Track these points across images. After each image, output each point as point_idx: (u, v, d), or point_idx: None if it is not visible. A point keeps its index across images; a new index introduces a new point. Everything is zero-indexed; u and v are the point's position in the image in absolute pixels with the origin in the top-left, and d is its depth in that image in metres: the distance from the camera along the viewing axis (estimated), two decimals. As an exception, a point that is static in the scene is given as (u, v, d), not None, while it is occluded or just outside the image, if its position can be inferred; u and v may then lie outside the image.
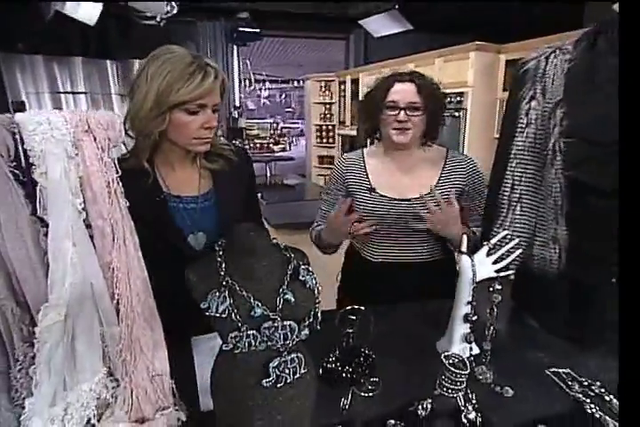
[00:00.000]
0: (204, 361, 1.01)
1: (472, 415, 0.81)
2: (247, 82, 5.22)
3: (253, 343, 0.61)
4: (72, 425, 0.70)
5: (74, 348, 0.72)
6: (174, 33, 4.00)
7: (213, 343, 1.06)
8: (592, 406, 0.84)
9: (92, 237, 0.76)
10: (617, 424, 0.79)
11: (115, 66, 4.19)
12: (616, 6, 0.98)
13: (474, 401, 0.84)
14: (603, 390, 0.88)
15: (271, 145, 5.24)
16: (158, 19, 3.18)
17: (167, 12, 3.12)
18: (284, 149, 5.45)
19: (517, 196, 1.08)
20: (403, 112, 1.24)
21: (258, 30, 4.31)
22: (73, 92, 4.05)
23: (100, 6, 3.22)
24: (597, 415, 0.82)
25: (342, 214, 1.23)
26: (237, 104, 4.84)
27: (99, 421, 0.73)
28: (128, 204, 0.80)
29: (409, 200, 1.29)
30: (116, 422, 0.73)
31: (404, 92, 1.25)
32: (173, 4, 3.14)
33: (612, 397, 0.86)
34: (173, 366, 0.84)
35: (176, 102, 0.91)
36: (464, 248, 0.99)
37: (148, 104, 0.91)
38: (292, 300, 0.62)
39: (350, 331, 0.87)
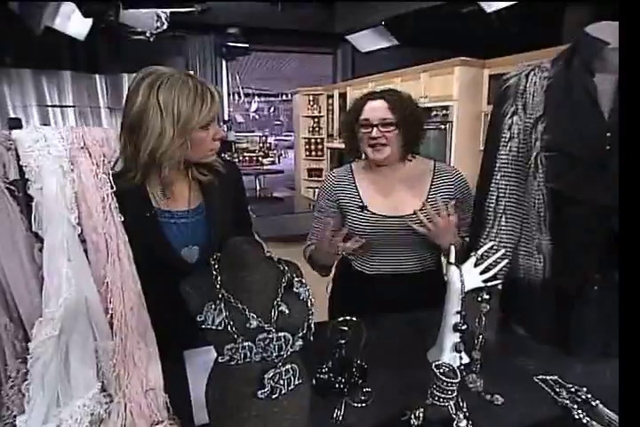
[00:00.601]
0: (196, 375, 1.00)
1: (463, 424, 0.82)
2: (236, 96, 5.27)
3: (249, 355, 0.62)
4: (65, 442, 0.69)
5: (67, 363, 0.72)
6: (163, 48, 4.05)
7: (206, 357, 1.06)
8: (579, 411, 0.85)
9: (86, 251, 0.77)
10: (603, 429, 0.81)
11: (104, 80, 4.22)
12: (588, 28, 1.04)
13: (465, 409, 0.85)
14: (589, 395, 0.90)
15: (260, 158, 5.28)
16: (148, 34, 3.21)
17: (157, 27, 3.16)
18: (273, 162, 5.49)
19: (502, 207, 1.11)
20: (375, 129, 1.27)
21: (247, 45, 4.38)
22: (61, 106, 4.05)
23: (89, 21, 3.26)
24: (585, 421, 0.83)
25: (329, 237, 1.23)
26: (226, 118, 4.87)
27: (92, 437, 0.72)
28: (122, 218, 0.81)
29: (401, 217, 1.31)
30: (110, 438, 0.72)
31: (375, 110, 1.28)
32: (163, 19, 3.18)
33: (598, 402, 0.88)
34: (166, 380, 0.84)
35: (201, 124, 0.94)
36: (452, 259, 1.02)
37: (169, 134, 0.91)
38: (287, 312, 0.64)
39: (342, 342, 0.88)
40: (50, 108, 4.03)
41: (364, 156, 1.43)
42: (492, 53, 2.88)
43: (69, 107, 4.10)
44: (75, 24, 3.23)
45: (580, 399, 0.90)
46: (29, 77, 4.02)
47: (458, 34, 3.72)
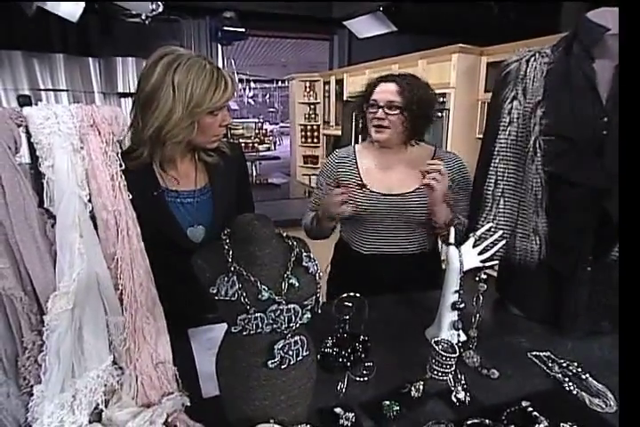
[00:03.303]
0: (201, 351, 1.04)
1: (461, 395, 0.86)
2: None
3: (260, 325, 0.64)
4: (81, 411, 0.72)
5: (81, 336, 0.74)
6: (158, 31, 3.98)
7: (209, 335, 1.10)
8: (570, 384, 0.90)
9: (95, 228, 0.79)
10: (592, 399, 0.85)
11: (97, 63, 4.14)
12: (589, 13, 1.05)
13: (463, 382, 0.89)
14: (579, 369, 0.94)
15: (256, 144, 5.25)
16: (143, 17, 3.16)
17: (152, 10, 3.11)
18: (268, 149, 5.47)
19: (500, 190, 1.14)
20: (381, 110, 1.30)
21: (243, 30, 4.31)
22: (54, 90, 3.98)
23: (82, 3, 3.18)
24: (575, 392, 0.88)
25: (336, 195, 1.24)
26: (223, 104, 4.82)
27: (106, 406, 0.75)
28: (130, 196, 0.82)
29: (398, 195, 1.34)
30: (123, 408, 0.75)
31: (384, 92, 1.31)
32: (159, 1, 3.13)
33: (587, 375, 0.92)
34: (173, 355, 0.86)
35: (211, 109, 0.94)
36: (452, 240, 1.04)
37: (178, 113, 0.92)
38: (296, 284, 0.66)
39: (346, 317, 0.91)
40: (43, 93, 3.96)
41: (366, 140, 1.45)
42: (490, 41, 2.88)
43: (62, 91, 4.02)
44: (67, 5, 3.15)
45: (570, 373, 0.94)
46: (20, 60, 3.94)
47: (456, 21, 3.71)
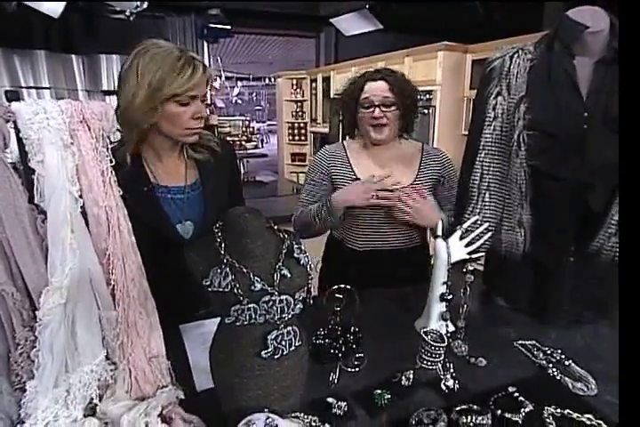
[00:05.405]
0: (193, 346, 1.04)
1: (450, 383, 0.89)
2: (217, 79, 5.18)
3: (253, 316, 0.65)
4: (75, 405, 0.72)
5: (74, 331, 0.75)
6: (143, 28, 3.93)
7: (202, 329, 1.10)
8: (554, 370, 0.93)
9: (87, 224, 0.79)
10: (574, 384, 0.89)
11: (80, 60, 4.08)
12: (569, 12, 1.08)
13: (451, 371, 0.91)
14: (563, 356, 0.98)
15: (243, 142, 5.24)
16: (127, 13, 3.12)
17: (137, 6, 3.08)
18: (256, 147, 5.46)
19: (486, 184, 1.17)
20: (377, 109, 1.31)
21: (229, 27, 4.29)
22: (36, 87, 3.91)
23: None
24: (558, 377, 0.91)
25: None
26: (209, 102, 4.79)
27: (100, 401, 0.75)
28: (121, 192, 0.82)
29: (391, 190, 1.36)
30: (118, 402, 0.76)
31: (376, 90, 1.32)
32: (143, -2, 3.10)
33: (570, 362, 0.96)
34: (166, 349, 0.87)
35: (169, 95, 0.94)
36: (439, 232, 1.07)
37: (139, 98, 0.93)
38: (288, 275, 0.67)
39: (338, 309, 0.92)
40: (25, 90, 3.89)
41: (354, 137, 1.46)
42: (474, 39, 2.92)
43: (45, 89, 3.96)
44: (49, 1, 3.10)
45: (554, 360, 0.98)
46: (0, 57, 3.86)
47: (441, 18, 3.74)
